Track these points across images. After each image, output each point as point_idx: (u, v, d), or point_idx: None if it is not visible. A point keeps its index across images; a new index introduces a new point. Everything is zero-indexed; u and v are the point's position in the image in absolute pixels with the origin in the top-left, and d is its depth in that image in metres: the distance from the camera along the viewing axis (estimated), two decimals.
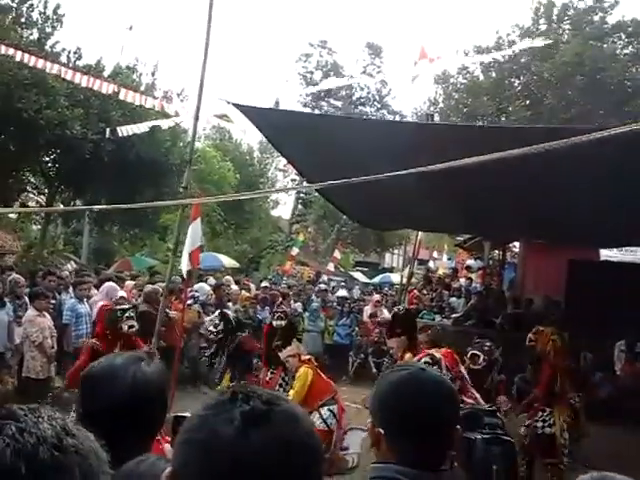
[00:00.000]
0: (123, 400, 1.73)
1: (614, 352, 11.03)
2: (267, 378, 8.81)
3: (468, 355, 7.30)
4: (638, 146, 5.48)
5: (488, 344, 7.25)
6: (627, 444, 8.42)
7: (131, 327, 7.27)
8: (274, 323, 8.89)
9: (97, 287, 10.80)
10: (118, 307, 7.69)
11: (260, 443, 0.93)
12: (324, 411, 7.01)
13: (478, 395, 5.86)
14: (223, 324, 8.15)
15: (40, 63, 12.05)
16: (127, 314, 7.34)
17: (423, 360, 6.01)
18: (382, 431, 1.71)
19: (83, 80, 12.71)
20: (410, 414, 1.69)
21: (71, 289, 10.04)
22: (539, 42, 9.20)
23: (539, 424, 7.15)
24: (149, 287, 10.44)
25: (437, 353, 6.06)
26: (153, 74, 21.41)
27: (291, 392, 7.26)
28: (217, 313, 8.84)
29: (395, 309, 11.70)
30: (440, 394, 1.77)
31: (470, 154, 4.58)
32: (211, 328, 8.10)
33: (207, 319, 8.83)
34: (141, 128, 13.28)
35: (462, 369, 6.13)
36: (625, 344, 10.91)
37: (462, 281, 15.14)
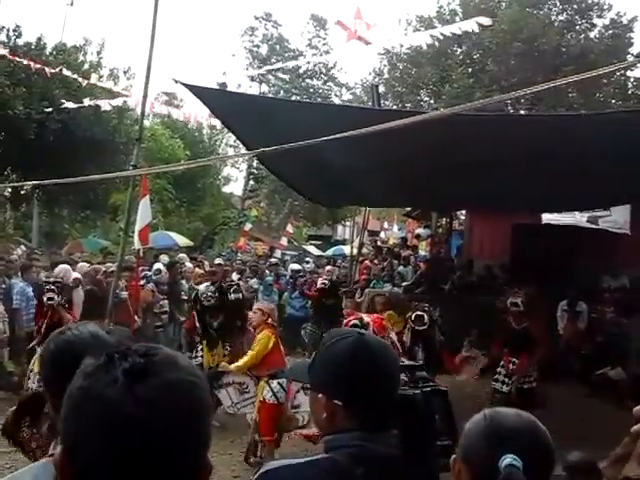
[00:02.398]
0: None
1: (557, 312, 11.44)
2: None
3: (413, 317, 7.60)
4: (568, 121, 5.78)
5: (426, 305, 7.52)
6: (567, 400, 8.87)
7: (50, 299, 7.37)
8: (232, 296, 8.93)
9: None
10: (43, 280, 7.74)
11: (147, 394, 0.94)
12: (274, 384, 6.86)
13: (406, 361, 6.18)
14: (219, 295, 8.44)
15: None
16: (47, 287, 7.45)
17: (352, 322, 6.35)
18: (339, 403, 1.70)
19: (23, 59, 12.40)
20: (367, 381, 1.70)
21: (19, 273, 9.98)
22: (483, 19, 9.34)
23: (521, 380, 7.99)
24: (94, 266, 10.47)
25: (366, 317, 6.35)
26: (99, 53, 21.04)
27: (249, 353, 7.20)
28: (210, 284, 9.10)
29: (320, 284, 12.15)
30: (386, 353, 1.81)
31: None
32: (209, 293, 8.35)
33: (201, 287, 9.02)
34: (88, 104, 13.09)
35: (392, 335, 6.39)
36: (567, 304, 11.32)
37: (411, 250, 15.43)
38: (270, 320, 7.48)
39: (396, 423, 1.72)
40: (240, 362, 7.24)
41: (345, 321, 6.30)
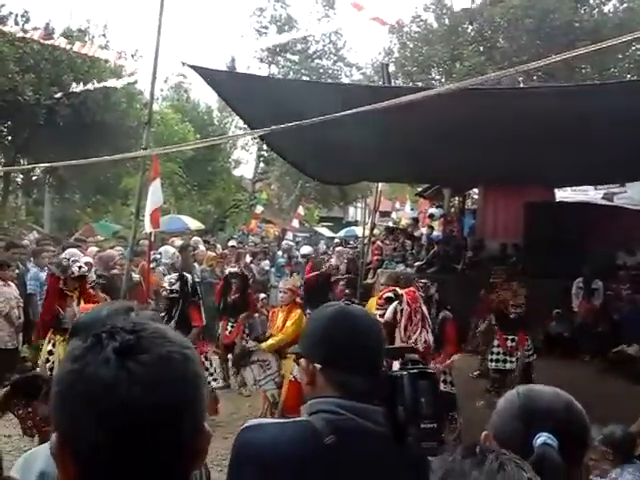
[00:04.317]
0: None
1: (572, 289, 11.38)
2: (227, 332, 8.95)
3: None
4: (584, 93, 5.67)
5: (423, 281, 7.47)
6: (582, 377, 8.83)
7: (81, 267, 7.36)
8: (227, 270, 8.96)
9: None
10: (62, 257, 7.75)
11: (141, 370, 0.94)
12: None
13: (430, 337, 6.15)
14: (179, 285, 8.12)
15: None
16: (73, 258, 7.45)
17: (386, 295, 6.38)
18: (318, 366, 1.75)
19: (34, 38, 12.32)
20: (344, 344, 1.74)
21: (31, 258, 10.00)
22: None
23: (526, 354, 8.13)
24: (107, 252, 10.47)
25: (399, 289, 6.36)
26: (104, 35, 20.97)
27: (279, 335, 7.17)
28: (176, 274, 8.89)
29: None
30: (369, 323, 1.85)
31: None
32: (166, 285, 8.13)
33: (165, 278, 8.85)
34: (96, 87, 13.06)
35: (423, 308, 6.40)
36: (582, 281, 11.26)
37: (424, 230, 15.34)
38: (298, 299, 7.56)
39: (381, 404, 1.72)
40: (272, 340, 7.25)
41: (380, 293, 6.30)
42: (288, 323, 7.21)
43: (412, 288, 7.17)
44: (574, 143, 7.43)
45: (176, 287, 7.74)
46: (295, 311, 7.28)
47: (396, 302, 6.35)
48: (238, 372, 8.33)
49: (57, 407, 0.97)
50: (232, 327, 8.88)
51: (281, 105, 7.15)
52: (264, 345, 7.30)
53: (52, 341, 7.07)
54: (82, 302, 7.22)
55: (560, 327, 10.86)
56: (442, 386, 6.81)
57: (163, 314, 8.19)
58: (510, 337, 8.29)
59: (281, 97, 7.15)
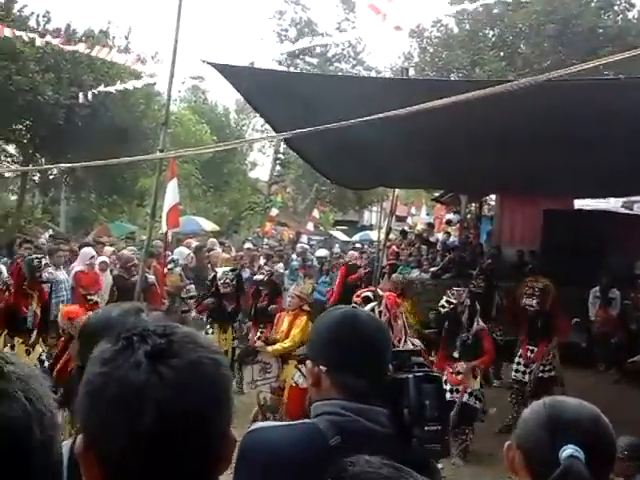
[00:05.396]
0: None
1: (589, 298, 11.25)
2: (255, 338, 8.95)
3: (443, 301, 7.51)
4: (607, 91, 5.58)
5: (456, 289, 7.41)
6: (598, 387, 8.71)
7: (50, 274, 7.32)
8: (254, 277, 9.00)
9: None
10: (34, 256, 7.68)
11: (173, 375, 0.93)
12: (304, 368, 6.93)
13: (411, 343, 6.11)
14: (236, 281, 8.59)
15: (7, 31, 11.76)
16: (45, 262, 7.41)
17: (364, 294, 6.34)
18: (323, 368, 1.77)
19: (53, 43, 12.41)
20: (350, 347, 1.75)
21: (47, 257, 10.03)
22: None
23: (540, 368, 7.86)
24: (124, 252, 10.48)
25: (379, 291, 6.32)
26: (127, 37, 21.07)
27: (287, 341, 7.19)
28: (230, 269, 9.27)
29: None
30: (375, 327, 1.86)
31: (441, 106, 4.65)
32: (227, 281, 8.52)
33: (220, 271, 9.14)
34: (115, 89, 13.13)
35: (404, 316, 6.40)
36: (599, 290, 11.13)
37: (439, 235, 15.27)
38: (306, 306, 7.53)
39: (386, 406, 1.74)
40: (278, 345, 7.25)
41: (358, 292, 6.26)
42: (295, 330, 7.22)
43: (392, 293, 7.20)
44: (593, 149, 7.33)
45: (234, 283, 8.20)
46: (301, 318, 7.28)
47: (374, 303, 6.31)
48: (240, 369, 8.48)
49: (85, 410, 0.96)
50: (261, 332, 8.86)
51: (304, 101, 7.10)
52: (270, 348, 7.31)
53: (9, 344, 6.90)
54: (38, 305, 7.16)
55: (577, 337, 10.72)
56: (466, 397, 6.75)
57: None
58: (531, 348, 8.11)
59: (304, 93, 7.08)
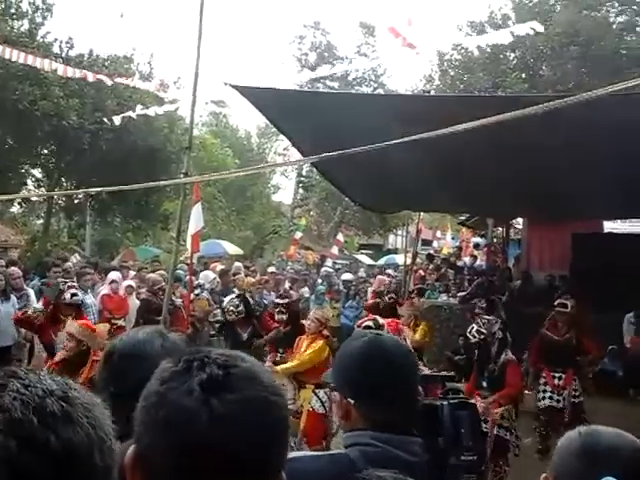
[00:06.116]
0: None
1: (623, 325, 10.98)
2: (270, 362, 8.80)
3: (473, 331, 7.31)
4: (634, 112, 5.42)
5: (487, 318, 7.22)
6: (636, 416, 8.42)
7: (74, 295, 7.24)
8: (276, 317, 8.79)
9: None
10: (60, 280, 7.66)
11: (223, 410, 0.91)
12: (321, 394, 6.82)
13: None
14: (243, 305, 8.37)
15: (30, 59, 11.87)
16: (69, 283, 7.36)
17: (365, 324, 6.30)
18: (352, 401, 1.72)
19: (76, 72, 12.56)
20: (378, 378, 1.71)
21: (75, 280, 10.02)
22: (536, 25, 8.95)
23: (572, 394, 7.78)
24: (151, 275, 10.42)
25: (381, 319, 6.30)
26: (149, 63, 21.30)
27: (298, 358, 7.10)
28: (235, 295, 9.03)
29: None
30: (402, 353, 1.81)
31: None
32: (232, 309, 8.28)
33: (226, 299, 8.97)
34: (137, 114, 13.21)
35: (407, 341, 6.38)
36: (634, 316, 10.85)
37: (467, 259, 15.09)
38: (325, 331, 7.36)
39: (420, 432, 1.73)
40: (288, 364, 7.16)
41: (359, 322, 6.21)
42: (308, 351, 7.09)
43: (396, 320, 7.11)
44: (622, 167, 7.13)
45: (241, 308, 7.94)
46: (317, 342, 7.11)
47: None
48: None
49: (141, 423, 0.97)
50: (281, 357, 8.69)
51: (329, 121, 7.03)
52: (279, 368, 7.18)
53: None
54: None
55: (612, 364, 10.45)
56: (496, 430, 6.53)
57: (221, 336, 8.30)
58: (557, 375, 7.95)
59: (329, 113, 7.01)
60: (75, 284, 7.65)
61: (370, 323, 6.39)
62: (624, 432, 1.54)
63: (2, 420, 0.77)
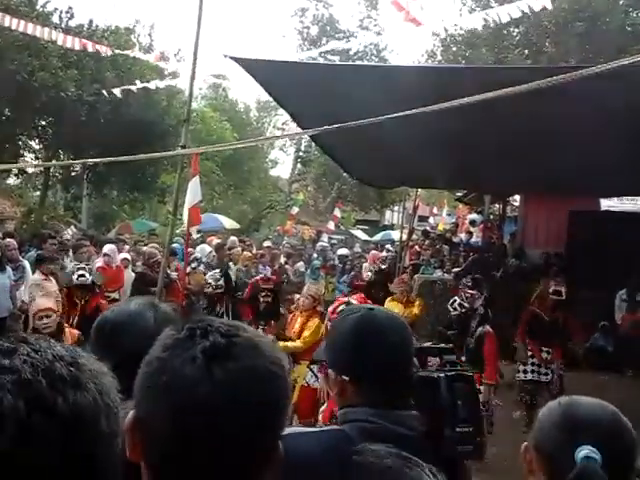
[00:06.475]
0: (149, 345, 1.72)
1: (615, 301, 11.07)
2: None
3: (455, 304, 7.38)
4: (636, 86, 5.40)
5: (471, 292, 7.27)
6: (624, 391, 8.52)
7: (81, 276, 7.28)
8: (261, 300, 8.83)
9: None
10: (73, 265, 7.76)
11: (224, 378, 0.93)
12: (316, 369, 6.83)
13: None
14: (224, 281, 8.28)
15: (30, 28, 11.78)
16: (78, 266, 7.41)
17: (340, 309, 6.24)
18: (346, 378, 1.71)
19: (75, 43, 12.47)
20: (372, 355, 1.69)
21: (71, 253, 10.04)
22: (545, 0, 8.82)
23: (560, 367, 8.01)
24: (147, 248, 10.45)
25: (353, 300, 6.29)
26: (150, 35, 21.13)
27: (298, 342, 7.17)
28: (218, 270, 8.95)
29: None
30: (395, 327, 1.77)
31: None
32: (211, 282, 8.22)
33: (208, 274, 8.92)
34: (138, 87, 13.16)
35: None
36: (626, 293, 10.94)
37: (462, 236, 15.12)
38: (319, 307, 7.42)
39: (416, 405, 1.72)
40: (290, 344, 7.18)
41: (333, 306, 6.16)
42: (306, 332, 7.17)
43: (361, 296, 7.13)
44: (621, 144, 7.12)
45: (221, 282, 7.83)
46: (313, 320, 7.21)
47: None
48: None
49: (141, 388, 0.99)
50: (263, 330, 8.78)
51: (330, 94, 6.97)
52: (280, 344, 7.23)
53: None
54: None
55: (603, 340, 10.55)
56: None
57: (205, 310, 8.27)
58: (545, 349, 8.07)
59: (330, 85, 6.95)
60: (83, 266, 7.67)
61: (343, 307, 6.36)
62: (604, 402, 1.55)
63: (12, 381, 0.78)
